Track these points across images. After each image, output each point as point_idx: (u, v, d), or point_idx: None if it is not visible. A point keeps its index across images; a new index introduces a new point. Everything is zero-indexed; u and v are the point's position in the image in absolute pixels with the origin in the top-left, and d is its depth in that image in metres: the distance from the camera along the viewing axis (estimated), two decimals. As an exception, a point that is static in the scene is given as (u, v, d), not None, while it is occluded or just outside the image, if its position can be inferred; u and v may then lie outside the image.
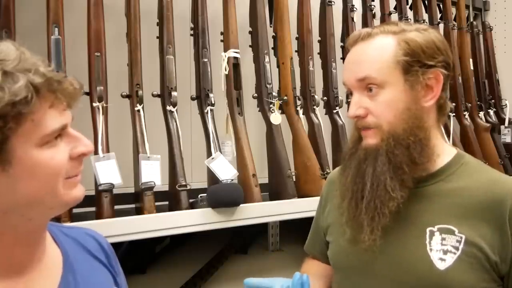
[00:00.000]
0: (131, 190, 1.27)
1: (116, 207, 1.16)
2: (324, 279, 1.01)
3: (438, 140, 0.86)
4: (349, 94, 0.89)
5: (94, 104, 1.19)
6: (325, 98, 1.71)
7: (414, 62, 0.80)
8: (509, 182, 0.82)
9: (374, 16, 1.92)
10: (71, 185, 0.64)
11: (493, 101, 2.32)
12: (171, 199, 1.29)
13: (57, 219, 1.03)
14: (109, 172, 1.14)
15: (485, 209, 0.78)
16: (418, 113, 0.81)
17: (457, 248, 0.77)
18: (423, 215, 0.81)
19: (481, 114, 2.22)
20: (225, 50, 1.45)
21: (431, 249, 0.78)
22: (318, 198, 1.42)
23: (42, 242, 0.68)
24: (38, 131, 0.58)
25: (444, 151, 0.86)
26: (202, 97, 1.38)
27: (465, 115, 2.12)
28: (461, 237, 0.77)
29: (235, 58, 1.45)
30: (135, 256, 1.51)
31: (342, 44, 1.88)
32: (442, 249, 0.78)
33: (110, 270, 0.78)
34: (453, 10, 2.28)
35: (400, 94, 0.80)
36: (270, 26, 1.64)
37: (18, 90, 0.55)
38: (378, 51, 0.82)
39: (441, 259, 0.77)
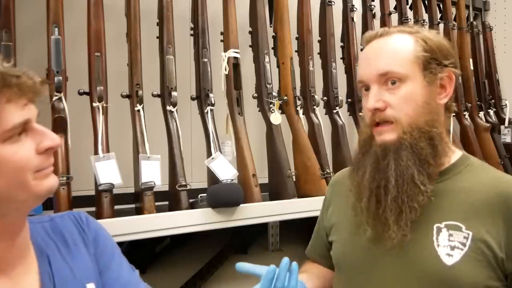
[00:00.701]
0: (131, 190, 1.27)
1: (116, 207, 1.16)
2: (322, 280, 1.00)
3: (447, 137, 0.87)
4: (361, 91, 0.88)
5: (94, 104, 1.19)
6: (325, 98, 1.71)
7: (431, 60, 0.82)
8: None
9: (374, 16, 1.92)
10: (42, 177, 0.63)
11: (493, 101, 2.32)
12: (171, 199, 1.29)
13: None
14: (109, 172, 1.14)
15: (491, 206, 0.79)
16: (434, 108, 0.83)
17: (464, 244, 0.77)
18: (431, 212, 0.82)
19: (481, 114, 2.22)
20: (225, 50, 1.45)
21: (438, 245, 0.79)
22: (318, 198, 1.43)
23: (22, 237, 0.68)
24: None
25: (451, 150, 0.88)
26: (202, 97, 1.38)
27: (465, 115, 2.12)
28: (468, 234, 0.78)
29: (235, 58, 1.45)
30: (135, 256, 1.51)
31: (342, 44, 1.88)
32: (450, 245, 0.78)
33: (88, 248, 0.77)
34: (453, 10, 2.28)
35: (420, 89, 0.81)
36: (270, 26, 1.64)
37: None
38: (399, 46, 0.83)
39: (448, 255, 0.77)
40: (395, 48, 0.83)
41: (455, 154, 0.88)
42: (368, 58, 0.86)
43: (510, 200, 0.78)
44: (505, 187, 0.81)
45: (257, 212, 1.34)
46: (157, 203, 1.21)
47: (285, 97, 1.56)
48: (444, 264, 0.77)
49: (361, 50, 0.91)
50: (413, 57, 0.82)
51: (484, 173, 0.85)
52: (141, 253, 1.55)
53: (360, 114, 1.73)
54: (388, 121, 0.83)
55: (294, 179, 1.49)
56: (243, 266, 0.86)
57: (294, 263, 0.84)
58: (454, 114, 2.01)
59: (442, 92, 0.84)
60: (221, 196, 1.26)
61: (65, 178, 1.09)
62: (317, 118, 1.63)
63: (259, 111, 1.54)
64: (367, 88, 0.85)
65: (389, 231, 0.81)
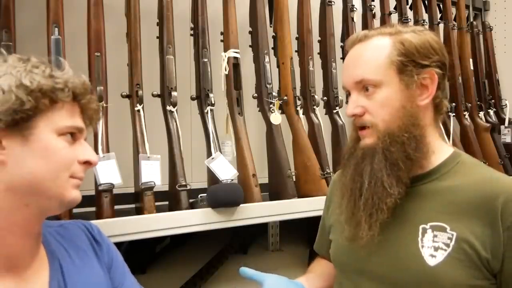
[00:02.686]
0: (131, 190, 1.27)
1: (116, 207, 1.16)
2: (325, 278, 1.03)
3: (434, 137, 0.87)
4: (348, 95, 0.91)
5: (94, 104, 1.19)
6: (325, 98, 1.71)
7: (408, 62, 0.83)
8: (502, 180, 0.83)
9: (374, 16, 1.92)
10: (72, 184, 0.68)
11: (493, 101, 2.32)
12: (171, 199, 1.29)
13: (58, 218, 1.03)
14: (109, 172, 1.14)
15: (477, 206, 0.79)
16: (413, 111, 0.83)
17: (448, 245, 0.78)
18: (417, 213, 0.83)
19: (481, 114, 2.22)
20: (225, 50, 1.45)
21: (422, 246, 0.80)
22: (318, 198, 1.43)
23: (36, 239, 0.69)
24: (62, 120, 0.66)
25: (440, 149, 0.88)
26: (202, 97, 1.38)
27: (465, 115, 2.12)
28: (452, 234, 0.79)
29: (235, 58, 1.45)
30: (135, 256, 1.51)
31: (342, 44, 1.88)
32: (433, 245, 0.79)
33: (98, 257, 0.79)
34: (453, 10, 2.28)
35: (396, 93, 0.83)
36: (270, 26, 1.64)
37: (66, 81, 0.67)
38: (373, 52, 0.85)
39: (432, 256, 0.79)
40: (370, 56, 0.85)
41: (445, 151, 0.88)
42: (347, 65, 0.89)
43: (495, 201, 0.78)
44: (491, 187, 0.80)
45: (257, 212, 1.34)
46: (157, 203, 1.21)
47: (285, 97, 1.56)
48: (427, 265, 0.78)
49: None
50: (388, 62, 0.83)
51: (473, 173, 0.85)
52: (141, 253, 1.55)
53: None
54: (366, 126, 0.86)
55: (294, 179, 1.49)
56: (246, 272, 0.91)
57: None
58: (454, 114, 2.02)
59: (423, 93, 0.84)
60: (221, 196, 1.26)
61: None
62: (317, 118, 1.63)
63: (259, 111, 1.54)
64: (349, 94, 0.89)
65: (360, 231, 0.84)
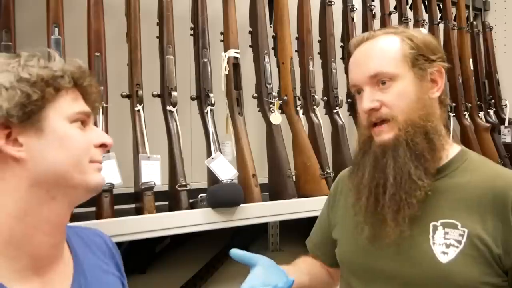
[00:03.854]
0: (131, 190, 1.27)
1: (116, 207, 1.16)
2: (307, 277, 1.01)
3: (444, 131, 0.88)
4: (355, 94, 0.90)
5: (94, 104, 1.19)
6: (325, 98, 1.71)
7: (419, 56, 0.84)
8: (511, 176, 0.83)
9: (374, 16, 1.92)
10: (94, 169, 0.68)
11: (493, 101, 2.32)
12: (171, 199, 1.29)
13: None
14: (109, 172, 1.14)
15: (488, 202, 0.79)
16: (428, 103, 0.84)
17: (459, 242, 0.78)
18: (427, 211, 0.82)
19: (481, 114, 2.22)
20: (225, 50, 1.45)
21: (434, 243, 0.80)
22: (318, 198, 1.43)
23: (63, 237, 0.69)
24: (70, 107, 0.66)
25: (449, 146, 0.88)
26: (202, 97, 1.38)
27: (465, 115, 2.12)
28: (464, 231, 0.78)
29: (235, 58, 1.45)
30: (135, 256, 1.51)
31: (342, 44, 1.88)
32: (445, 243, 0.79)
33: (118, 270, 0.79)
34: (453, 10, 2.28)
35: (411, 85, 0.83)
36: (270, 26, 1.64)
37: (67, 69, 0.67)
38: (386, 47, 0.85)
39: (444, 253, 0.78)
40: (383, 49, 0.85)
41: (453, 149, 0.89)
42: (358, 61, 0.88)
43: (506, 196, 0.78)
44: (501, 183, 0.81)
45: (257, 212, 1.34)
46: (157, 203, 1.21)
47: (285, 97, 1.56)
48: (439, 262, 0.78)
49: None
50: (401, 55, 0.84)
51: (482, 169, 0.85)
52: (141, 253, 1.55)
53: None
54: (384, 119, 0.84)
55: (294, 179, 1.49)
56: (236, 253, 0.89)
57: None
58: (454, 114, 2.02)
59: (433, 86, 0.86)
60: (221, 196, 1.26)
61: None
62: (317, 118, 1.63)
63: (259, 111, 1.54)
64: (360, 91, 0.87)
65: (386, 228, 0.82)
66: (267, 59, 1.53)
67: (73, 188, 0.66)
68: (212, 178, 1.30)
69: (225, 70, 1.42)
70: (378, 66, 0.84)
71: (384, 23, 1.97)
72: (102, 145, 0.70)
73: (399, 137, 0.82)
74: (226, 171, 1.30)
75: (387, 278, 0.84)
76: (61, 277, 0.68)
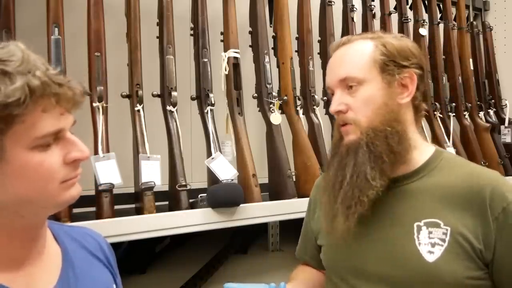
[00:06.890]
0: (131, 190, 1.27)
1: (116, 207, 1.16)
2: (310, 285, 1.02)
3: (415, 135, 0.90)
4: (331, 97, 0.93)
5: (94, 104, 1.19)
6: (325, 98, 1.71)
7: (390, 62, 0.87)
8: (487, 173, 0.87)
9: (374, 16, 1.92)
10: (67, 187, 0.63)
11: (493, 101, 2.32)
12: (171, 199, 1.29)
13: (57, 219, 1.03)
14: (109, 172, 1.14)
15: (466, 199, 0.82)
16: (394, 108, 0.87)
17: (443, 240, 0.80)
18: (410, 212, 0.85)
19: (481, 114, 2.22)
20: (225, 50, 1.45)
21: (419, 243, 0.82)
22: (318, 198, 1.43)
23: (41, 238, 0.68)
24: (29, 133, 0.57)
25: (423, 147, 0.91)
26: (202, 97, 1.38)
27: (465, 115, 2.12)
28: (447, 229, 0.81)
29: (235, 58, 1.45)
30: (135, 256, 1.52)
31: (342, 44, 1.88)
32: (430, 242, 0.81)
33: (110, 270, 0.78)
34: (453, 10, 2.28)
35: (378, 91, 0.86)
36: (270, 26, 1.64)
37: (13, 91, 0.54)
38: (357, 52, 0.88)
39: (430, 252, 0.81)
40: (354, 54, 0.88)
41: (428, 151, 0.91)
42: (332, 65, 0.92)
43: (483, 192, 0.81)
44: (477, 180, 0.83)
45: (257, 212, 1.34)
46: (157, 203, 1.21)
47: (285, 97, 1.56)
48: (427, 262, 0.80)
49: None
50: (371, 61, 0.86)
51: (459, 168, 0.88)
52: (141, 253, 1.55)
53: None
54: (348, 123, 0.88)
55: (294, 179, 1.49)
56: (230, 286, 0.93)
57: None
58: (454, 114, 2.02)
59: (403, 91, 0.87)
60: (221, 196, 1.26)
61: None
62: (317, 118, 1.63)
63: (259, 111, 1.54)
64: (333, 94, 0.90)
65: (335, 223, 0.86)
66: (267, 59, 1.53)
67: (43, 208, 0.63)
68: (212, 178, 1.30)
69: (225, 70, 1.42)
70: (347, 71, 0.87)
71: (384, 23, 1.97)
72: (76, 161, 0.63)
73: (360, 140, 0.86)
74: (226, 171, 1.30)
75: (375, 280, 0.85)
76: (45, 270, 0.67)
